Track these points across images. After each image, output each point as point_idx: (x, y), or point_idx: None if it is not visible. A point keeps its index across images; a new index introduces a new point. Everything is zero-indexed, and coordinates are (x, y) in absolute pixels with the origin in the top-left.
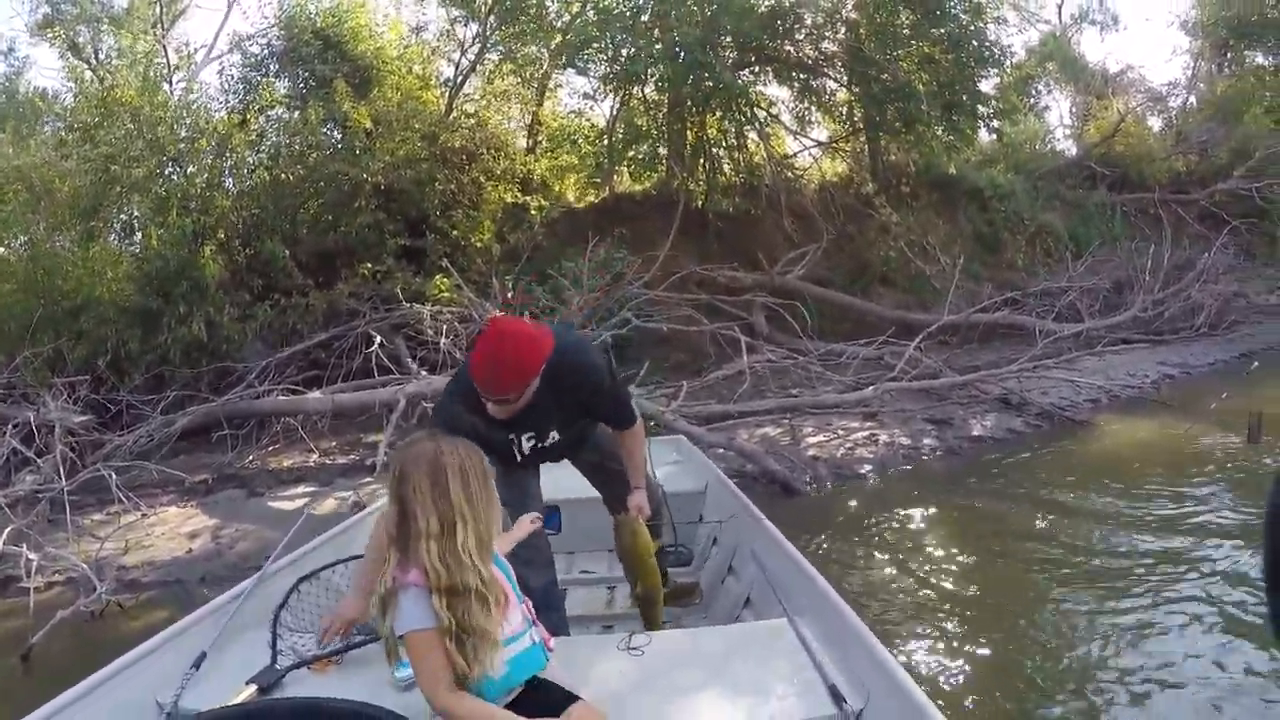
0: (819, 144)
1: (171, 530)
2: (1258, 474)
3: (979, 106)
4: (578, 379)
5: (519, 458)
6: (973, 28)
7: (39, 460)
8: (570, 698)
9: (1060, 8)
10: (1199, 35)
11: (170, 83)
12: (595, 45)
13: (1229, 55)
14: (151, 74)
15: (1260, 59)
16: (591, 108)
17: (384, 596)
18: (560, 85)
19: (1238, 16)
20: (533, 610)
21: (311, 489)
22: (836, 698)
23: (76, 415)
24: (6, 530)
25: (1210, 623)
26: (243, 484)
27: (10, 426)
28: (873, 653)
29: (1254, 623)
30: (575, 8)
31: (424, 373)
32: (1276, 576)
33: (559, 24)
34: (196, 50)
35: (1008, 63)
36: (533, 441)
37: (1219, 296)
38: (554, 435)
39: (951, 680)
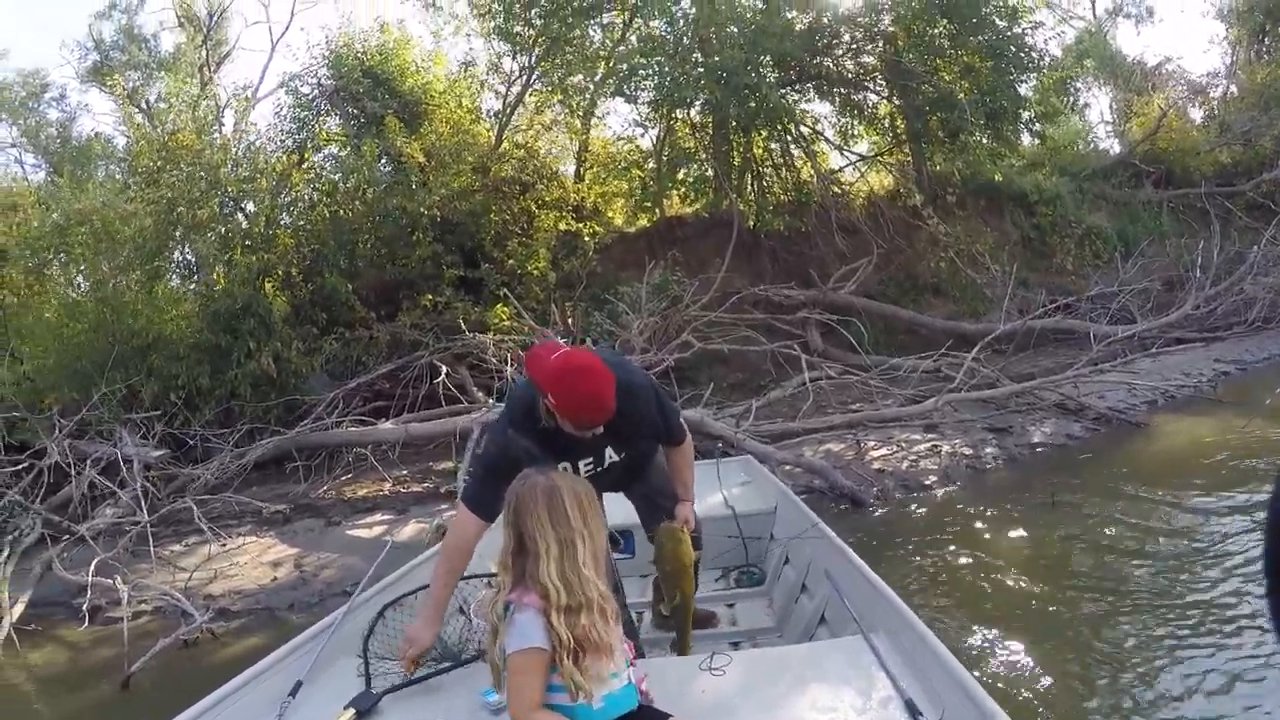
0: (863, 158)
1: (254, 560)
2: None
3: (1021, 112)
4: (630, 399)
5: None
6: (1010, 33)
7: (121, 493)
8: (663, 717)
9: (1094, 3)
10: (1235, 22)
11: (220, 123)
12: (642, 72)
13: (1266, 41)
14: (203, 116)
15: None
16: (642, 134)
17: (497, 620)
18: (608, 112)
19: (1272, 1)
20: (634, 651)
21: (388, 517)
22: (913, 712)
23: (153, 451)
24: (94, 562)
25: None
26: (319, 514)
27: (89, 461)
28: (947, 667)
29: None
30: (618, 34)
31: (491, 400)
32: (1278, 575)
33: (603, 53)
34: (243, 90)
35: (1046, 65)
36: (591, 466)
37: (1272, 289)
38: (611, 457)
39: (1023, 693)
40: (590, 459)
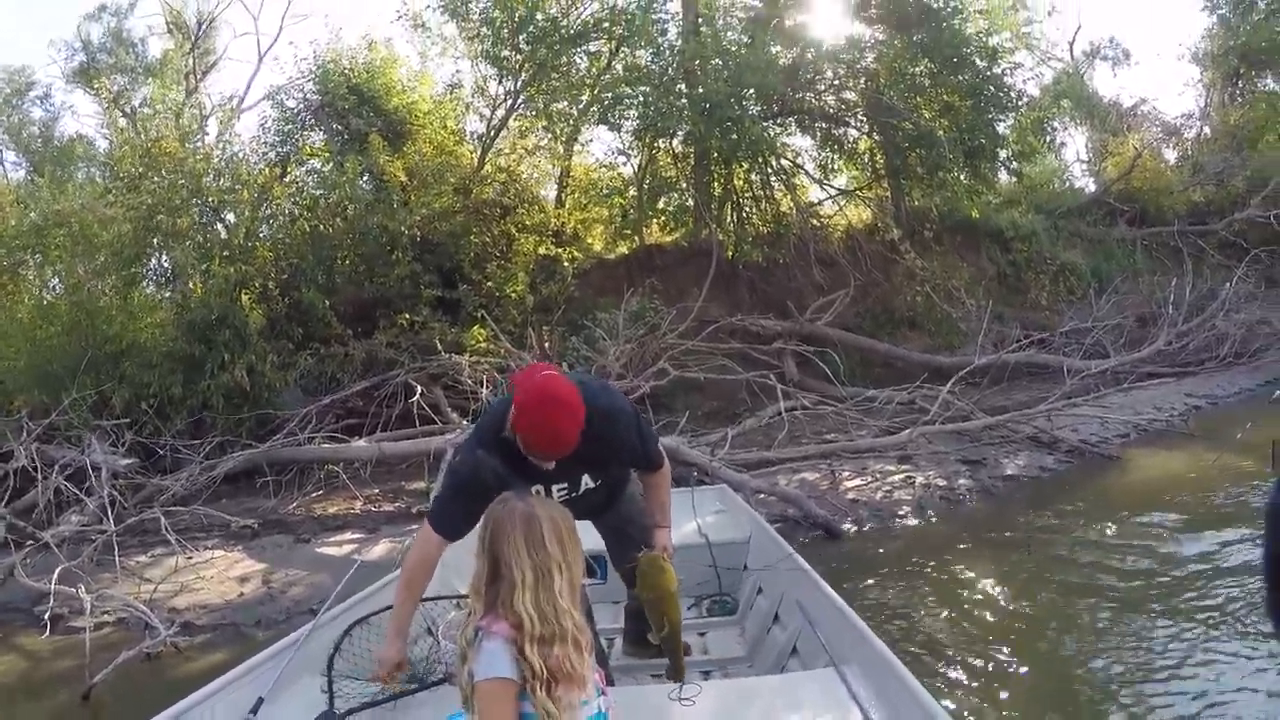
0: (842, 192)
1: (220, 574)
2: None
3: (999, 150)
4: (609, 425)
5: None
6: (989, 73)
7: (88, 500)
8: None
9: (1072, 45)
10: (1209, 66)
11: (204, 132)
12: (627, 101)
13: (1240, 84)
14: (186, 123)
15: (1271, 84)
16: (625, 162)
17: (466, 645)
18: (591, 139)
19: (1247, 44)
20: (605, 679)
21: (358, 536)
22: None
23: (122, 459)
24: (57, 570)
25: (1252, 653)
26: (288, 530)
27: (57, 467)
28: (919, 701)
29: None
30: (603, 63)
31: (465, 422)
32: (1277, 572)
33: (589, 80)
34: (227, 101)
35: (1023, 104)
36: (565, 492)
37: (1243, 325)
38: (586, 483)
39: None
40: (565, 484)
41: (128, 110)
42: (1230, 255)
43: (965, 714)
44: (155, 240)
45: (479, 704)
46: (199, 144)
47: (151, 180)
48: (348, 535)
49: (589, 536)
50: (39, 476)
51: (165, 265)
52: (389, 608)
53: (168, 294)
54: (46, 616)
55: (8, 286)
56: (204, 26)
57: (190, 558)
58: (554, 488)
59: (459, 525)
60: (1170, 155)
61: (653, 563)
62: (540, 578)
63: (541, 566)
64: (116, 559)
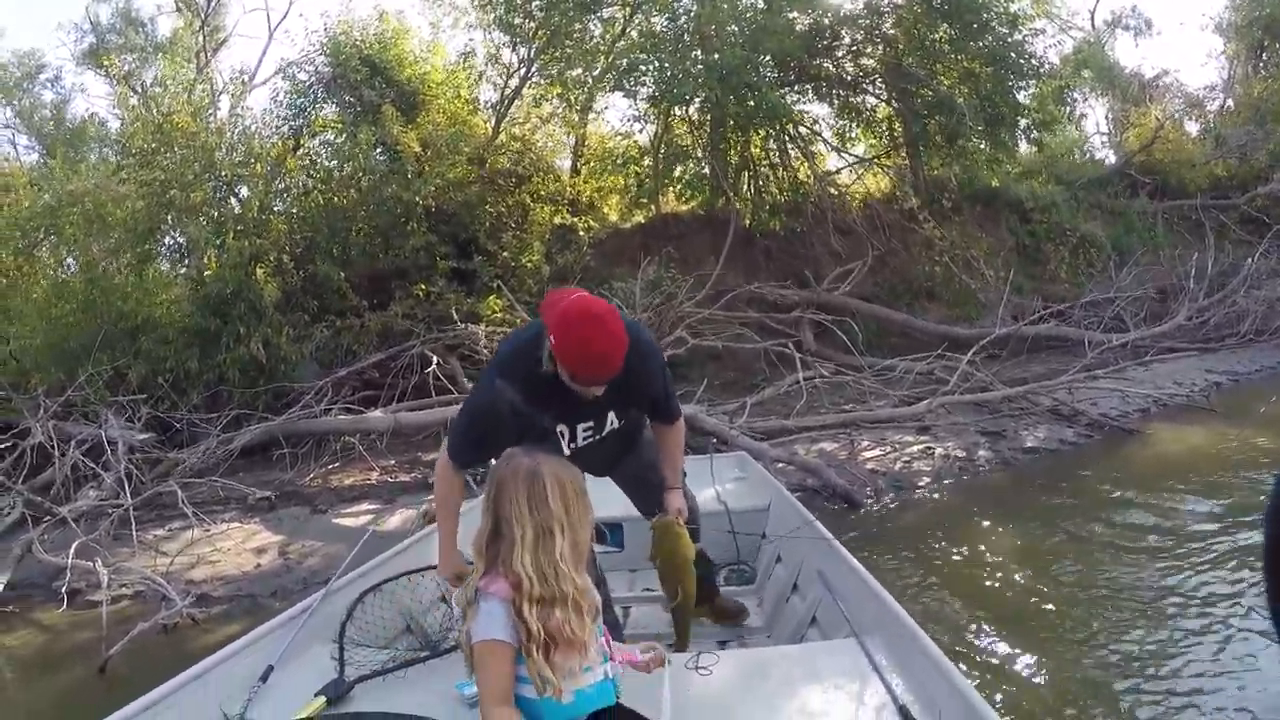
0: (860, 160)
1: (238, 546)
2: None
3: (1019, 118)
4: (643, 359)
5: (566, 451)
6: (1010, 40)
7: (104, 474)
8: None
9: (1093, 14)
10: (1233, 37)
11: (215, 109)
12: (642, 68)
13: (1264, 56)
14: (198, 100)
15: None
16: (641, 130)
17: (467, 605)
18: (607, 107)
19: (1271, 15)
20: (611, 645)
21: (374, 506)
22: (907, 717)
23: (139, 434)
24: (74, 545)
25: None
26: (305, 501)
27: (74, 443)
28: (943, 672)
29: None
30: (618, 29)
31: None
32: (1277, 570)
33: (603, 47)
34: (239, 76)
35: (1044, 72)
36: (590, 433)
37: (1264, 303)
38: (612, 422)
39: (1019, 698)
40: (591, 424)
41: (138, 89)
42: (1252, 230)
43: (988, 685)
44: (169, 217)
45: (476, 668)
46: (211, 119)
47: (165, 156)
48: (364, 506)
49: (605, 501)
50: (56, 453)
51: (179, 241)
52: (401, 575)
53: (182, 270)
54: (64, 591)
55: (24, 268)
56: (213, 3)
57: (208, 530)
58: (580, 427)
59: (470, 454)
60: (1192, 128)
61: (667, 529)
62: (540, 536)
63: (542, 525)
64: (134, 533)
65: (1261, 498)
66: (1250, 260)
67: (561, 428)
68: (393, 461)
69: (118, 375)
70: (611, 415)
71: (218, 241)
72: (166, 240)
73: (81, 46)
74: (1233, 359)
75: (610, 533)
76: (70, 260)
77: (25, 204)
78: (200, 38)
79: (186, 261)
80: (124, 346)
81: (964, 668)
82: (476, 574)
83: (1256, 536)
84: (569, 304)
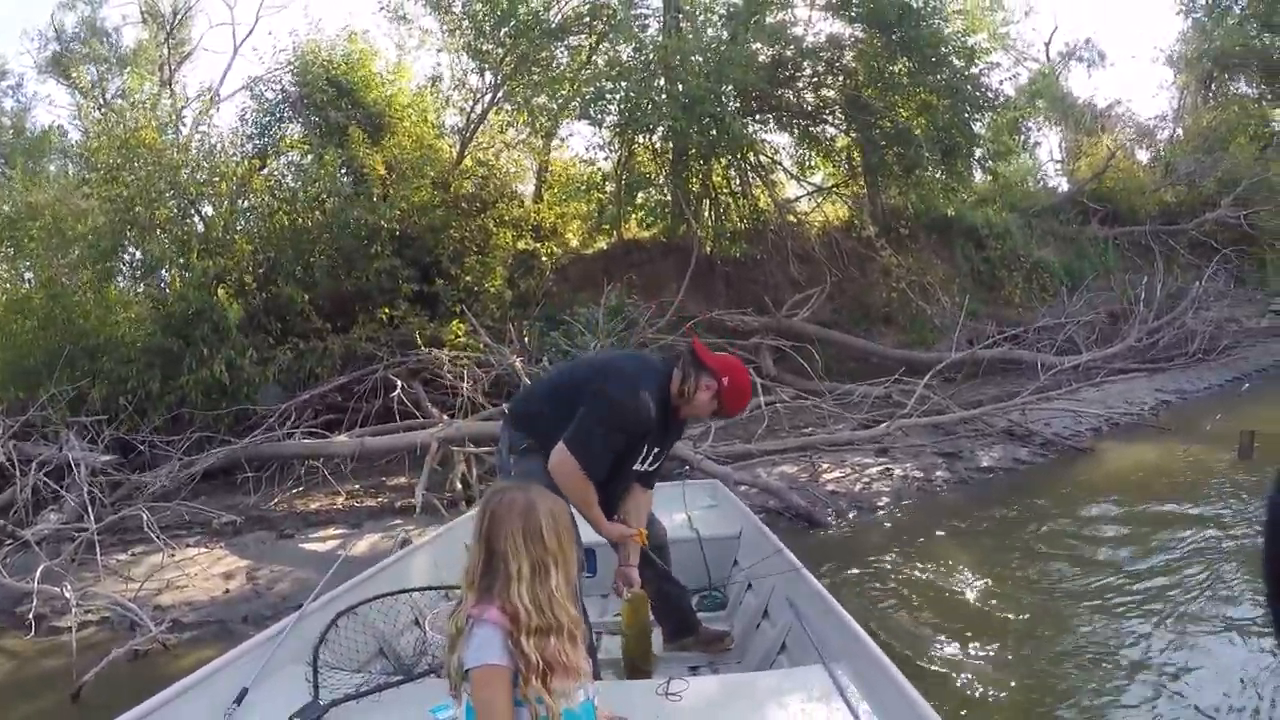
0: (819, 189)
1: (204, 571)
2: (1246, 487)
3: (975, 148)
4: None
5: (638, 467)
6: (967, 73)
7: (68, 496)
8: None
9: (1049, 45)
10: (1183, 69)
11: (181, 123)
12: (608, 96)
13: (1213, 87)
14: (162, 115)
15: (1244, 88)
16: (605, 157)
17: (456, 632)
18: (571, 134)
19: (1220, 48)
20: (594, 666)
21: (342, 531)
22: None
23: (101, 455)
24: (39, 569)
25: (1221, 631)
26: (271, 526)
27: (35, 464)
28: (909, 700)
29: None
30: (584, 56)
31: (446, 417)
32: (1276, 574)
33: (569, 74)
34: (205, 92)
35: (1000, 104)
36: (658, 455)
37: (1211, 323)
38: (662, 454)
39: (982, 713)
40: (659, 449)
41: (101, 101)
42: (1200, 255)
43: (952, 705)
44: (132, 233)
45: (474, 691)
46: (176, 135)
47: (129, 171)
48: (331, 530)
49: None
50: (17, 474)
51: (140, 259)
52: (375, 598)
53: (142, 288)
54: (30, 617)
55: None
56: (179, 16)
57: (174, 554)
58: (656, 450)
59: (606, 464)
60: (1143, 156)
61: (643, 603)
62: (536, 571)
63: (538, 560)
64: (98, 557)
65: (1217, 514)
66: (1198, 283)
67: (655, 449)
68: (357, 486)
69: (79, 395)
70: (667, 448)
71: (181, 260)
72: (127, 257)
73: (45, 55)
74: (1181, 378)
75: (586, 559)
76: (29, 275)
77: None
78: (165, 50)
79: (148, 280)
80: (85, 365)
81: (926, 681)
82: (466, 603)
83: (1203, 544)
84: (728, 357)
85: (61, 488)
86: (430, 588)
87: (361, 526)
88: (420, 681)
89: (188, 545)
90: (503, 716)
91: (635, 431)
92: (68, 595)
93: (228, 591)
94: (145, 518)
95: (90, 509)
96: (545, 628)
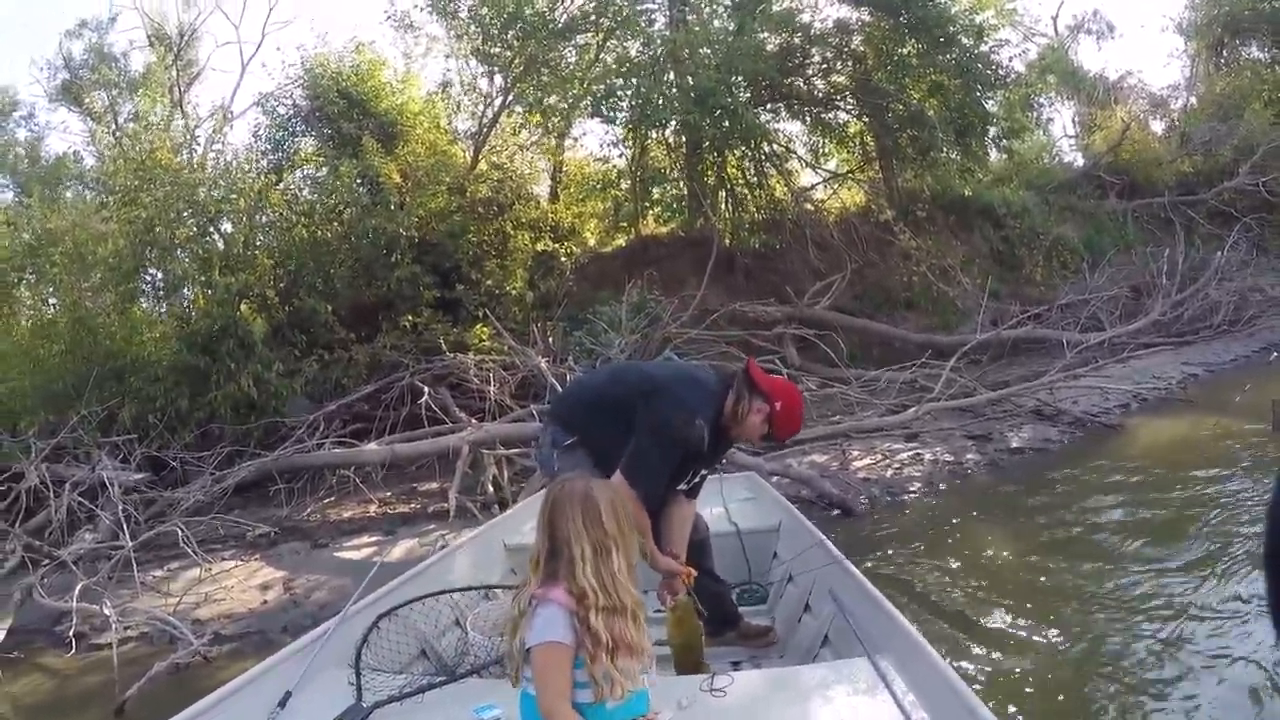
0: (835, 175)
1: (241, 583)
2: None
3: (988, 127)
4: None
5: (683, 486)
6: (976, 51)
7: (103, 515)
8: None
9: (1056, 20)
10: (1194, 36)
11: (194, 144)
12: (619, 93)
13: (1225, 53)
14: (176, 135)
15: (1256, 53)
16: (620, 155)
17: (519, 614)
18: (585, 133)
19: (1230, 13)
20: (653, 658)
21: (375, 538)
22: None
23: (134, 474)
24: (78, 587)
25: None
26: (305, 536)
27: (68, 485)
28: (957, 692)
29: None
30: (592, 54)
31: (474, 420)
32: (1276, 568)
33: (578, 73)
34: (217, 111)
35: (1011, 81)
36: (704, 475)
37: (1235, 293)
38: (706, 474)
39: (1027, 704)
40: (705, 469)
41: (114, 126)
42: (1220, 224)
43: (989, 687)
44: (152, 253)
45: (535, 669)
46: (191, 154)
47: (148, 193)
48: (365, 539)
49: None
50: (51, 495)
51: (161, 279)
52: (415, 599)
53: (164, 307)
54: (70, 635)
55: (2, 309)
56: (185, 38)
57: (210, 568)
58: (703, 471)
59: (660, 487)
60: (1158, 127)
61: (689, 612)
62: (598, 552)
63: (599, 542)
64: (135, 574)
65: (1252, 488)
66: (1220, 253)
67: (703, 470)
68: (389, 494)
69: (109, 415)
70: (712, 466)
71: (203, 278)
72: (149, 277)
73: (55, 83)
74: (1208, 350)
75: None
76: (54, 300)
77: (4, 243)
78: (174, 72)
79: (170, 299)
80: (113, 386)
81: (971, 669)
82: (530, 584)
83: (1245, 516)
84: (782, 381)
85: (96, 507)
86: (471, 588)
87: (396, 533)
88: (463, 682)
89: (224, 559)
90: (561, 695)
91: (688, 455)
92: (107, 612)
93: (265, 603)
94: (180, 533)
95: (125, 527)
96: (611, 606)
